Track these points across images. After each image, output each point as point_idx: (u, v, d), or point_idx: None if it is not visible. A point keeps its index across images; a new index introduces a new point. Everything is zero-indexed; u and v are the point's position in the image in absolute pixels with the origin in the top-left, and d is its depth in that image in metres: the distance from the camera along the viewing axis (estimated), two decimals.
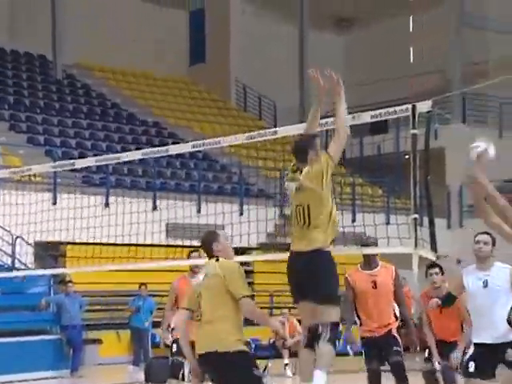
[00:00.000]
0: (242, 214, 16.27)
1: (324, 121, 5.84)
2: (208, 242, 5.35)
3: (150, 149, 6.52)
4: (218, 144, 6.02)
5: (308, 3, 24.19)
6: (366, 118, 5.49)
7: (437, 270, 7.61)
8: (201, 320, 5.26)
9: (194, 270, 8.40)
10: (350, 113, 5.76)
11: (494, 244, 6.29)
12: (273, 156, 20.28)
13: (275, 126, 21.04)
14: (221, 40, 25.41)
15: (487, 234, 6.26)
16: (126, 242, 11.50)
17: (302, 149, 5.51)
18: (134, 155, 6.91)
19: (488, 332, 6.08)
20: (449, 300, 6.70)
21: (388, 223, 15.90)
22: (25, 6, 22.61)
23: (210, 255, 5.34)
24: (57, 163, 7.37)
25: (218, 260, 5.29)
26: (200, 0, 25.11)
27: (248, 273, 17.97)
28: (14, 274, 12.42)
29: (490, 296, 6.12)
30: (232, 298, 5.18)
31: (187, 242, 13.61)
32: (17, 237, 13.94)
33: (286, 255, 5.80)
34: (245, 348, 5.36)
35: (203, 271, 5.46)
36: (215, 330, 5.16)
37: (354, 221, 17.54)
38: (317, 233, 5.42)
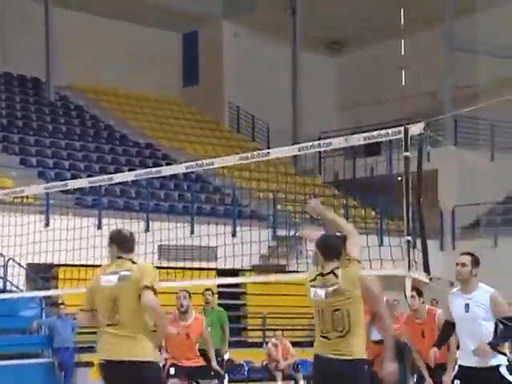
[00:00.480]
0: (234, 235, 16.25)
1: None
2: (133, 240, 5.16)
3: (143, 170, 6.52)
4: (211, 165, 6.03)
5: (301, 26, 24.36)
6: (359, 140, 5.51)
7: (413, 293, 7.49)
8: (112, 324, 5.02)
9: (181, 310, 8.42)
10: (342, 135, 5.78)
11: (476, 264, 6.01)
12: (266, 177, 20.32)
13: (268, 148, 21.10)
14: (214, 62, 25.54)
15: (468, 254, 6.06)
16: None
17: (336, 246, 5.14)
18: (127, 176, 6.91)
19: (472, 356, 5.90)
20: (442, 339, 6.50)
21: (381, 245, 15.88)
22: (18, 29, 22.69)
23: (125, 256, 5.09)
24: (49, 184, 7.35)
25: (134, 262, 5.10)
26: (193, 22, 25.26)
27: (241, 294, 17.94)
28: (6, 296, 12.32)
29: (472, 321, 5.94)
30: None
31: (180, 264, 13.58)
32: (9, 259, 13.87)
33: (279, 277, 5.78)
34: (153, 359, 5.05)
35: (114, 271, 5.14)
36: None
37: None
38: (357, 340, 5.09)
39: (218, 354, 10.02)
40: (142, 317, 4.97)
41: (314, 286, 5.14)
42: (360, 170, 19.80)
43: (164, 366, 7.66)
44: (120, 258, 5.11)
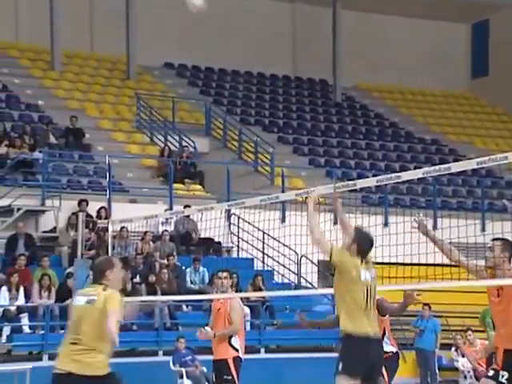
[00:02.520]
0: None
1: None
2: (103, 268, 5.33)
3: (432, 167, 6.32)
4: (505, 160, 5.64)
5: None
6: None
7: None
8: (76, 342, 5.19)
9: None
10: None
11: None
12: None
13: None
14: (506, 51, 24.21)
15: None
16: (407, 261, 11.32)
17: (372, 243, 6.25)
18: (415, 174, 6.76)
19: None
20: None
21: None
22: (306, 34, 23.61)
23: (98, 281, 5.30)
24: (339, 184, 7.47)
25: (105, 289, 5.22)
26: (484, 11, 24.16)
27: None
28: (300, 292, 12.83)
29: None
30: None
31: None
32: (301, 256, 14.44)
33: None
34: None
35: (83, 294, 5.37)
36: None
37: None
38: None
39: None
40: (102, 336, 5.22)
41: (364, 269, 6.10)
42: None
43: None
44: (95, 283, 5.44)
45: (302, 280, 14.80)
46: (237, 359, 7.90)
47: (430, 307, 14.04)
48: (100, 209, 14.26)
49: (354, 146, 20.79)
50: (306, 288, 14.07)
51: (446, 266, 13.12)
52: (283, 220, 15.15)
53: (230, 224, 15.30)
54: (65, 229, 14.21)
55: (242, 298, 13.31)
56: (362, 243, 6.30)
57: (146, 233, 14.19)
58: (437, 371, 13.93)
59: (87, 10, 21.53)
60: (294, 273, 14.96)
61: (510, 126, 23.97)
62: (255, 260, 15.21)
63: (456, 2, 23.30)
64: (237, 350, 7.89)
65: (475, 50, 25.41)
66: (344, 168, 19.04)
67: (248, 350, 11.55)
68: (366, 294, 6.02)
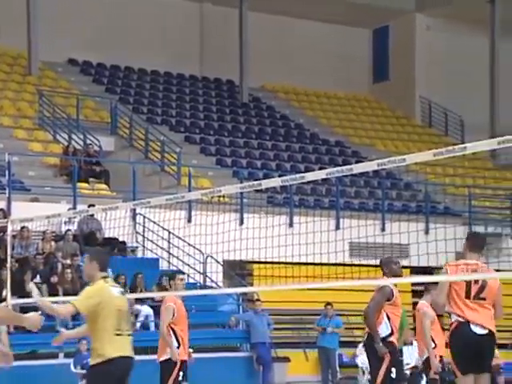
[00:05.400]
0: (427, 232, 15.82)
1: None
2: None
3: (335, 168, 6.49)
4: (403, 162, 5.86)
5: (500, 12, 23.15)
6: None
7: None
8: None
9: None
10: None
11: None
12: (461, 173, 19.56)
13: (463, 142, 20.31)
14: (405, 56, 25.02)
15: None
16: (310, 261, 11.56)
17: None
18: (319, 175, 6.92)
19: None
20: None
21: None
22: (213, 35, 23.64)
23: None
24: (244, 184, 7.55)
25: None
26: (384, 17, 24.90)
27: None
28: (206, 291, 12.86)
29: None
30: None
31: (371, 262, 13.41)
32: (207, 256, 14.47)
33: (477, 276, 5.52)
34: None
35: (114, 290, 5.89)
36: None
37: None
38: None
39: None
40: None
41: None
42: None
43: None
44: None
45: (208, 280, 14.84)
46: (167, 362, 8.04)
47: (332, 306, 14.37)
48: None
49: (261, 146, 21.00)
50: (212, 288, 14.11)
51: (348, 265, 13.49)
52: (189, 220, 15.14)
53: (135, 223, 15.17)
54: None
55: (146, 299, 13.27)
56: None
57: (45, 232, 13.88)
58: (338, 368, 14.26)
59: None
60: (199, 272, 14.97)
61: (409, 129, 24.79)
62: (160, 260, 15.13)
63: (357, 7, 23.90)
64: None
65: (376, 55, 26.13)
66: (250, 168, 19.20)
67: (153, 351, 11.48)
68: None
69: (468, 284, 5.95)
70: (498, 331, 6.13)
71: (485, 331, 5.91)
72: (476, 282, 5.94)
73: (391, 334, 6.94)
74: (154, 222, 14.72)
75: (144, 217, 14.99)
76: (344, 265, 12.92)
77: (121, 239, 14.72)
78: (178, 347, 8.08)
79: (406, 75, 24.92)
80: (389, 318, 6.96)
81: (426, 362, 7.90)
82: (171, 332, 8.09)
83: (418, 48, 25.02)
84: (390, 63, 25.67)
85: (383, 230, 16.10)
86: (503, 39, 23.45)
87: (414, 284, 15.36)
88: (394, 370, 6.72)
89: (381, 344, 6.87)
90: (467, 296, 5.95)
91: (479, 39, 23.84)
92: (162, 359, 8.16)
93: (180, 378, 8.05)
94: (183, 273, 8.37)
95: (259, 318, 13.85)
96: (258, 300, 14.04)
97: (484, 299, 5.98)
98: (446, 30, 24.50)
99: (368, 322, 7.05)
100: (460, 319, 5.93)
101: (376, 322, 6.94)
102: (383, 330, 6.93)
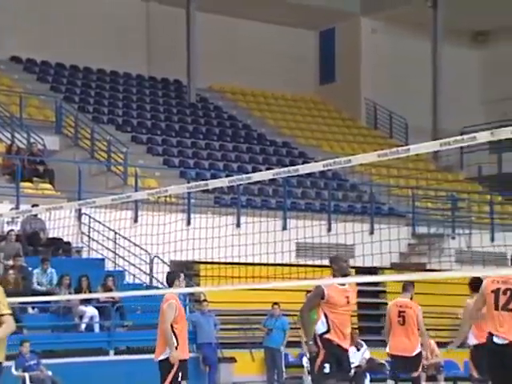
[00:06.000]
0: (372, 233, 16.04)
1: None
2: None
3: (282, 169, 6.53)
4: (348, 163, 5.94)
5: (442, 18, 23.62)
6: (507, 133, 5.23)
7: None
8: None
9: None
10: (485, 129, 5.54)
11: None
12: (405, 174, 19.88)
13: (407, 144, 20.64)
14: (351, 59, 25.32)
15: None
16: (257, 261, 11.61)
17: None
18: (266, 175, 6.96)
19: None
20: None
21: None
22: (161, 34, 23.52)
23: None
24: (191, 184, 7.55)
25: None
26: (330, 19, 25.15)
27: (380, 293, 17.67)
28: (152, 292, 12.80)
29: None
30: None
31: (317, 262, 13.55)
32: (154, 256, 14.39)
33: (423, 276, 5.63)
34: None
35: None
36: None
37: (493, 240, 16.87)
38: None
39: None
40: None
41: None
42: (506, 165, 18.95)
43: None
44: None
45: (154, 280, 14.76)
46: (165, 361, 7.92)
47: (279, 306, 14.44)
48: None
49: (208, 147, 20.97)
50: (158, 288, 14.04)
51: (295, 265, 13.59)
52: (136, 220, 15.04)
53: (80, 224, 14.99)
54: None
55: (91, 299, 13.11)
56: None
57: None
58: (283, 369, 14.34)
59: None
60: (145, 273, 14.88)
61: (355, 130, 25.09)
62: (106, 260, 14.99)
63: (303, 9, 24.08)
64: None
65: (323, 57, 26.37)
66: (198, 169, 19.16)
67: (97, 352, 11.38)
68: None
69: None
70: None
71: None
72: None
73: (328, 331, 7.11)
74: (100, 222, 14.58)
75: (89, 217, 14.83)
76: (291, 265, 13.02)
77: (66, 239, 14.53)
78: (177, 347, 7.96)
79: (351, 77, 25.22)
80: (326, 316, 7.14)
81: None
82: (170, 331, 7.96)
83: (364, 50, 25.35)
84: (336, 65, 25.94)
85: (329, 230, 16.26)
86: (445, 43, 23.93)
87: (359, 284, 15.54)
88: (327, 365, 6.93)
89: (310, 342, 7.06)
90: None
91: (423, 43, 24.28)
92: (160, 358, 8.03)
93: (179, 379, 7.96)
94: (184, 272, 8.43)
95: (206, 318, 13.83)
96: (204, 300, 14.02)
97: None
98: (390, 34, 24.87)
99: (300, 320, 7.26)
100: None
101: (308, 321, 7.12)
102: (320, 327, 7.12)
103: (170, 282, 8.25)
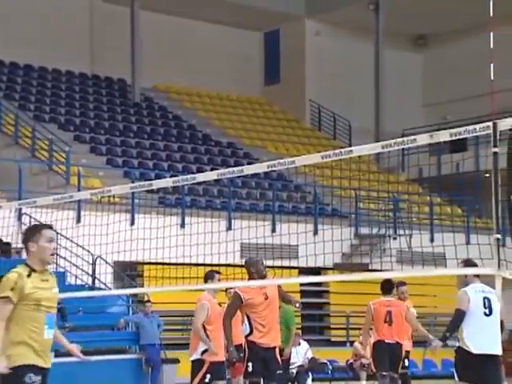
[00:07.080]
0: (316, 233, 16.18)
1: None
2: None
3: (226, 169, 6.55)
4: (293, 164, 6.00)
5: (384, 21, 24.00)
6: (445, 136, 5.36)
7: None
8: None
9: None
10: (425, 132, 5.67)
11: None
12: (348, 175, 20.11)
13: (350, 146, 20.91)
14: (295, 60, 25.50)
15: None
16: (202, 261, 11.58)
17: None
18: (210, 176, 6.96)
19: None
20: None
21: (468, 243, 15.50)
22: (105, 32, 23.26)
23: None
24: (135, 184, 7.50)
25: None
26: (275, 21, 25.28)
27: (323, 293, 17.85)
28: (95, 293, 12.65)
29: None
30: None
31: None
32: (97, 257, 14.23)
33: (364, 276, 5.71)
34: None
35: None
36: None
37: (432, 240, 17.20)
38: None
39: None
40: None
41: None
42: (445, 167, 19.36)
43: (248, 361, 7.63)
44: None
45: (97, 281, 14.59)
46: (196, 362, 8.00)
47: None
48: None
49: (153, 146, 20.83)
50: (101, 289, 13.88)
51: (240, 266, 13.61)
52: (78, 220, 14.83)
53: (20, 224, 14.71)
54: None
55: None
56: None
57: None
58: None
59: None
60: (88, 274, 14.70)
61: (299, 132, 25.27)
62: None
63: (247, 9, 24.15)
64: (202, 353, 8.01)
65: (268, 58, 26.49)
66: (142, 169, 19.02)
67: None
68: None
69: None
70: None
71: None
72: None
73: (251, 332, 7.40)
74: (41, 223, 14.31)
75: (30, 217, 14.56)
76: (235, 266, 13.00)
77: (5, 240, 14.24)
78: (207, 349, 7.99)
79: (296, 79, 25.40)
80: (248, 318, 7.39)
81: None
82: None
83: (308, 52, 25.55)
84: (281, 66, 26.08)
85: (274, 230, 16.33)
86: (387, 47, 24.32)
87: (302, 284, 15.68)
88: (250, 364, 7.28)
89: (231, 349, 7.49)
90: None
91: (366, 46, 24.62)
92: (191, 359, 8.09)
93: (207, 380, 7.94)
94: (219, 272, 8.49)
95: (149, 319, 13.75)
96: (148, 301, 13.93)
97: None
98: (334, 36, 25.14)
99: (223, 327, 7.61)
100: None
101: (229, 328, 7.48)
102: (245, 329, 7.45)
103: (205, 281, 8.40)
